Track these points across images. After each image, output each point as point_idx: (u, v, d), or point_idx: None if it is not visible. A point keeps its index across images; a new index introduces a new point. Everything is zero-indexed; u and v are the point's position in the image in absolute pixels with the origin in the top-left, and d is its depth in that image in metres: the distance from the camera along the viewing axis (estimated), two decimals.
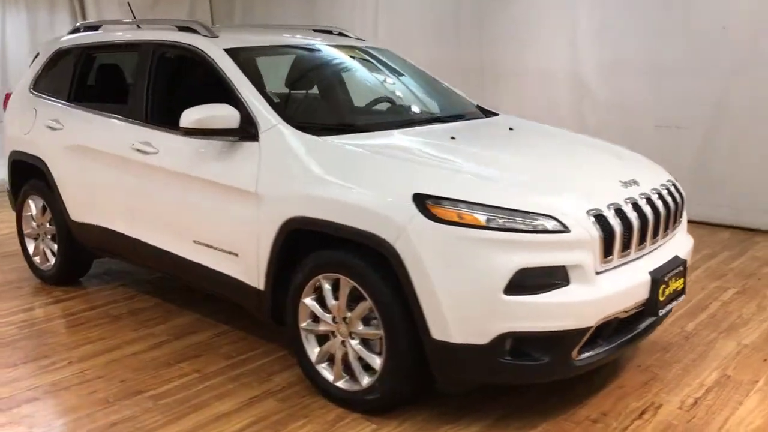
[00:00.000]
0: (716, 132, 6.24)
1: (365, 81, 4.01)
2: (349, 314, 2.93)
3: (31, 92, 4.68)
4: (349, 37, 4.47)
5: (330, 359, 3.08)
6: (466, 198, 2.61)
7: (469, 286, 2.55)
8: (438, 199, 2.62)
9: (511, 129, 3.60)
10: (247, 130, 3.24)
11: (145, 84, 3.88)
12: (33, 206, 4.67)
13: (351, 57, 4.10)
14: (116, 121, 3.99)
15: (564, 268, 2.58)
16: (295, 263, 3.10)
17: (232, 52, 3.57)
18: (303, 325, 3.12)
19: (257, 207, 3.14)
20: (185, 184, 3.51)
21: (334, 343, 3.02)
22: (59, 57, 4.63)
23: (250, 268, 3.27)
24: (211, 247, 3.46)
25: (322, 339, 3.11)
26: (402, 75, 4.19)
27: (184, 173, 3.50)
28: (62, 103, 4.40)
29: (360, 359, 2.93)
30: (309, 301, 3.07)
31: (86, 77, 4.49)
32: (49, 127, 4.37)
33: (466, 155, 3.04)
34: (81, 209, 4.27)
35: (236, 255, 3.34)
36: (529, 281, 2.54)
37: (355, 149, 3.04)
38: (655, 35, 6.59)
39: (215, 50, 3.57)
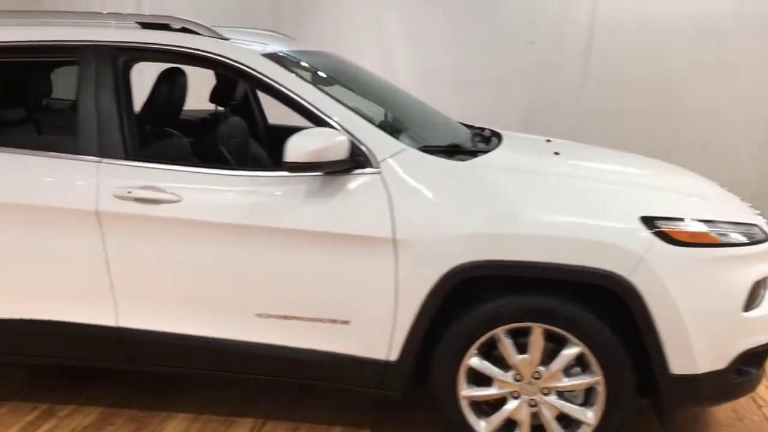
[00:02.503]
0: None
1: (386, 94, 3.37)
2: (541, 368, 2.49)
3: None
4: (284, 37, 3.70)
5: (505, 427, 2.58)
6: (692, 216, 2.43)
7: (713, 310, 2.39)
8: (669, 221, 2.39)
9: (548, 141, 3.45)
10: (357, 160, 2.49)
11: (113, 106, 2.68)
12: None
13: (346, 66, 3.43)
14: (61, 160, 2.68)
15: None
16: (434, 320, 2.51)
17: (279, 61, 2.70)
18: (464, 392, 2.54)
19: (395, 257, 2.45)
20: (244, 239, 2.54)
21: (518, 405, 2.53)
22: None
23: (374, 337, 2.54)
24: (294, 318, 2.58)
25: (478, 406, 2.58)
26: (387, 85, 3.66)
27: (242, 224, 2.54)
28: None
29: (560, 417, 2.52)
30: (478, 362, 2.51)
31: None
32: None
33: (617, 172, 2.85)
34: None
35: (346, 323, 2.55)
36: (752, 294, 2.49)
37: (531, 174, 2.60)
38: (465, 48, 7.00)
39: (254, 58, 2.66)
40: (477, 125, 3.68)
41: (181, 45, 2.69)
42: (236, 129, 3.77)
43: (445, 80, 7.07)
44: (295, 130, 4.10)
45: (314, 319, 2.57)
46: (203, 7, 7.11)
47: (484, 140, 3.15)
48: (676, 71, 6.76)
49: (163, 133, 3.12)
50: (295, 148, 2.35)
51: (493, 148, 2.90)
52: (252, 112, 4.15)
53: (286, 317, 2.59)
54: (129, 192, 2.58)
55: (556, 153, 2.97)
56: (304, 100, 2.58)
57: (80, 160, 2.66)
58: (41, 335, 2.76)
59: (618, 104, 6.92)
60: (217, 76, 3.77)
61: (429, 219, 2.44)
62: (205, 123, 3.68)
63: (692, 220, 2.41)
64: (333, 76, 3.05)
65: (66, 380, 3.35)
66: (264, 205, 2.54)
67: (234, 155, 3.50)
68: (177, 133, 3.20)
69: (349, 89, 2.96)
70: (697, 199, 2.62)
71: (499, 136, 3.23)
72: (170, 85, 3.05)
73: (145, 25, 2.84)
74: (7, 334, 2.79)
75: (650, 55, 6.77)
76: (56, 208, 2.63)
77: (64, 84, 3.56)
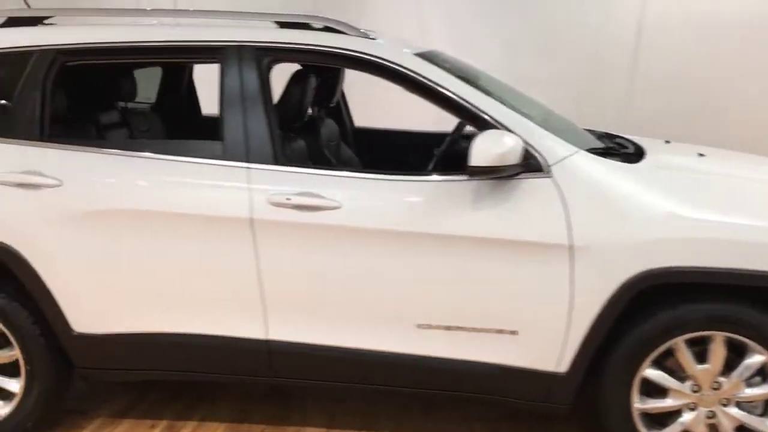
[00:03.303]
0: None
1: (515, 95, 3.24)
2: (720, 378, 2.41)
3: None
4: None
5: None
6: None
7: None
8: None
9: (667, 142, 3.37)
10: (527, 164, 2.39)
11: (260, 108, 2.56)
12: None
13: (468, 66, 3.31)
14: (207, 166, 2.55)
15: None
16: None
17: (431, 61, 2.60)
18: (637, 404, 2.45)
19: (571, 264, 2.35)
20: (407, 247, 2.43)
21: (695, 417, 2.44)
22: None
23: (543, 348, 2.44)
24: (458, 329, 2.47)
25: (647, 418, 2.50)
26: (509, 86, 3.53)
27: (405, 231, 2.42)
28: (40, 144, 2.64)
29: (739, 429, 2.44)
30: (654, 373, 2.42)
31: (73, 99, 2.78)
32: (20, 185, 2.58)
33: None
34: (106, 313, 2.64)
35: (514, 333, 2.45)
36: None
37: (705, 176, 2.52)
38: (512, 47, 6.93)
39: (409, 58, 2.55)
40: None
41: (331, 45, 2.57)
42: (333, 132, 3.67)
43: None
44: (385, 132, 4.10)
45: (479, 330, 2.47)
46: None
47: (610, 141, 3.06)
48: (724, 70, 6.73)
49: (287, 137, 3.01)
50: (481, 152, 2.25)
51: (640, 151, 2.82)
52: (341, 115, 4.04)
53: (448, 328, 2.48)
54: (288, 199, 2.45)
55: (701, 155, 2.89)
56: (467, 102, 2.47)
57: (228, 166, 2.54)
58: (188, 349, 2.63)
59: (666, 103, 6.86)
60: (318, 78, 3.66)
61: (607, 224, 2.34)
62: (307, 125, 3.56)
63: None
64: (469, 76, 2.94)
65: (176, 394, 3.22)
66: (429, 211, 2.43)
67: (334, 158, 3.40)
68: (295, 136, 3.09)
69: (488, 90, 2.85)
70: None
71: (622, 138, 3.16)
72: (302, 87, 2.93)
73: (283, 25, 2.73)
74: (152, 349, 2.65)
75: (699, 54, 6.73)
76: (206, 217, 2.50)
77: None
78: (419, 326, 2.50)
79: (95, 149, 2.62)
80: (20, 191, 2.57)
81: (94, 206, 2.55)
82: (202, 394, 3.20)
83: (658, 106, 6.85)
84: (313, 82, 2.99)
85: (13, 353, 2.71)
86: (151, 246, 2.55)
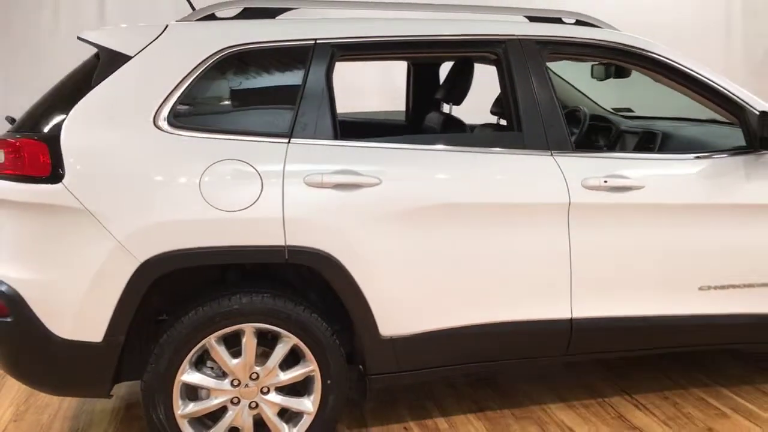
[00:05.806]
0: None
1: None
2: None
3: (170, 128, 2.38)
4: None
5: None
6: None
7: None
8: None
9: None
10: None
11: (553, 99, 2.70)
12: (223, 352, 2.47)
13: None
14: (517, 156, 2.65)
15: None
16: None
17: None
18: None
19: None
20: (700, 218, 2.76)
21: None
22: (232, 65, 2.51)
23: None
24: (747, 286, 2.85)
25: None
26: None
27: (701, 204, 2.76)
28: (346, 143, 2.52)
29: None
30: None
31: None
32: (337, 185, 2.44)
33: None
34: (416, 312, 2.58)
35: None
36: None
37: None
38: None
39: (675, 53, 2.86)
40: None
41: (609, 40, 2.81)
42: None
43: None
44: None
45: (760, 285, 2.86)
46: None
47: None
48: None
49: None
50: None
51: None
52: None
53: (734, 287, 2.84)
54: (605, 181, 2.63)
55: None
56: (728, 91, 2.85)
57: (536, 155, 2.64)
58: (493, 339, 2.67)
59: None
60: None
61: None
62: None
63: None
64: None
65: (386, 397, 3.16)
66: (719, 184, 2.77)
67: None
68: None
69: None
70: None
71: None
72: None
73: (533, 19, 2.88)
74: (457, 343, 2.64)
75: None
76: (525, 205, 2.59)
77: None
78: (701, 288, 2.82)
79: (405, 145, 2.58)
80: (335, 192, 2.43)
81: (414, 203, 2.50)
82: (420, 394, 3.18)
83: None
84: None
85: (309, 368, 2.54)
86: (467, 238, 2.56)
